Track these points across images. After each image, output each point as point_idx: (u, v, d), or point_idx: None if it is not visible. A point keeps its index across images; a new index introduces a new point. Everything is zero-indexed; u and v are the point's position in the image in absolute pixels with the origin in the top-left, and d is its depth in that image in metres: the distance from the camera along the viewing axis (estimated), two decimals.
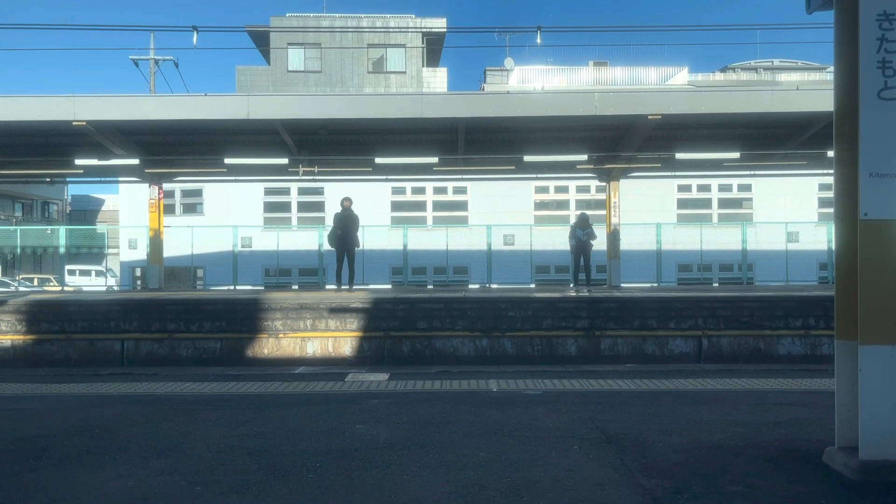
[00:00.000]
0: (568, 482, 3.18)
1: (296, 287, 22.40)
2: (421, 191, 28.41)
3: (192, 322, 13.07)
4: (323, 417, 4.57)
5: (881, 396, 3.13)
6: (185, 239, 22.36)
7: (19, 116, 14.90)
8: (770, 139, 17.16)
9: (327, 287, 18.89)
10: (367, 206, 21.63)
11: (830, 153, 14.32)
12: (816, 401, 4.97)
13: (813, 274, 22.93)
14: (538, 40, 19.11)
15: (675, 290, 17.15)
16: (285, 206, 28.39)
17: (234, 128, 16.26)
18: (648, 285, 20.04)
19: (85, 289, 26.64)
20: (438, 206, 28.56)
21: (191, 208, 28.86)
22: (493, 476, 3.27)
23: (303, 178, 19.19)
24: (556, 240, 20.48)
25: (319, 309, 13.08)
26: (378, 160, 17.26)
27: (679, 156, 17.24)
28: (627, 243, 19.69)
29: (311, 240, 22.39)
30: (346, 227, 14.86)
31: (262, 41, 32.99)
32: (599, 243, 17.81)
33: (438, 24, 33.02)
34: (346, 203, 14.99)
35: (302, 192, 27.64)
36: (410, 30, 32.72)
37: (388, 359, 12.67)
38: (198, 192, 28.56)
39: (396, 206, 28.03)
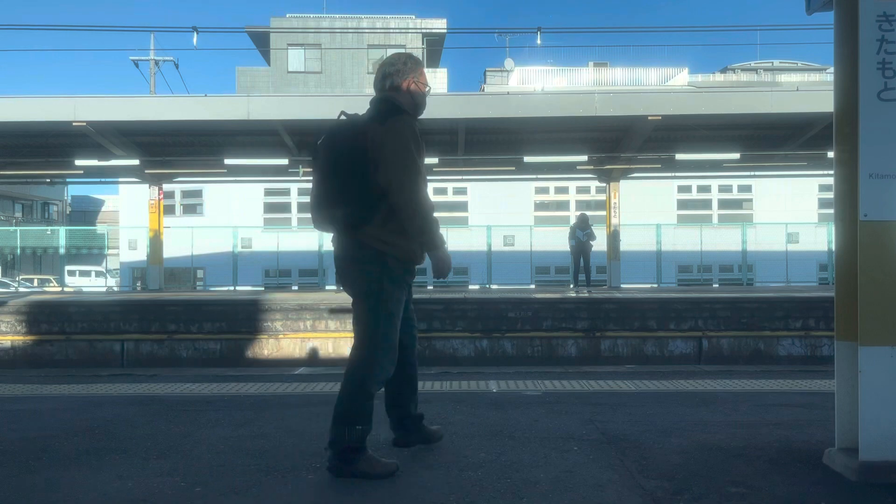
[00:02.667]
0: (568, 483, 3.18)
1: (296, 288, 22.41)
2: None
3: (191, 323, 13.09)
4: (323, 418, 4.56)
5: (881, 397, 3.13)
6: (185, 240, 22.37)
7: (20, 117, 14.92)
8: (770, 140, 17.17)
9: (327, 288, 18.90)
10: None
11: (830, 154, 14.37)
12: (816, 402, 4.97)
13: (813, 275, 22.94)
14: (538, 41, 19.15)
15: (675, 291, 17.16)
16: (285, 207, 28.40)
17: (235, 128, 16.27)
18: (648, 286, 20.06)
19: (85, 289, 26.68)
20: (438, 206, 28.47)
21: (191, 209, 28.87)
22: (493, 477, 3.27)
23: (303, 178, 19.20)
24: (556, 240, 20.50)
25: (319, 310, 13.09)
26: None
27: (679, 156, 17.25)
28: (627, 244, 19.71)
29: (312, 241, 22.40)
30: None
31: (262, 42, 33.00)
32: (599, 244, 17.82)
33: (438, 24, 33.04)
34: None
35: (302, 192, 27.65)
36: (410, 30, 32.73)
37: None
38: (198, 193, 28.57)
39: None
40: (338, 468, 3.25)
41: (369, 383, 3.35)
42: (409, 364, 3.67)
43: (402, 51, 3.55)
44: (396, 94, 3.48)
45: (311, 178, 3.48)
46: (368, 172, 3.22)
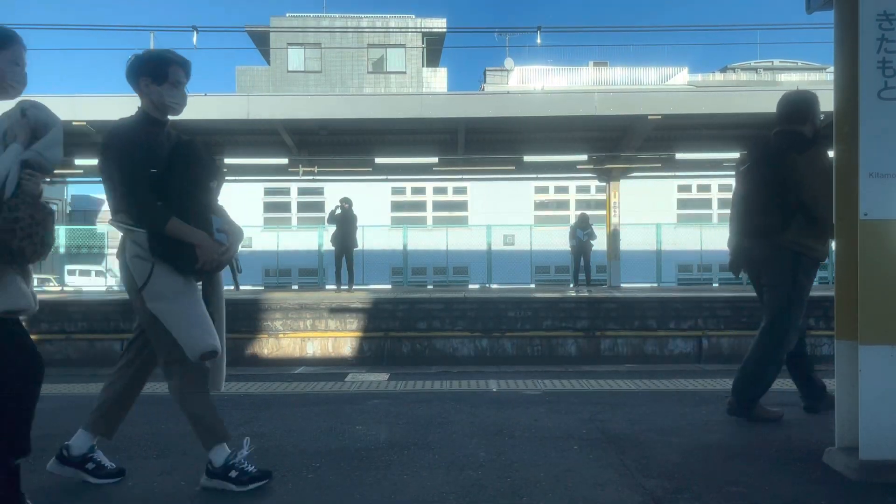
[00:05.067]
0: (568, 482, 3.18)
1: (296, 287, 22.40)
2: (421, 191, 28.41)
3: None
4: (322, 417, 4.57)
5: (881, 396, 3.14)
6: None
7: None
8: None
9: (327, 287, 18.90)
10: (367, 206, 21.66)
11: (830, 153, 14.34)
12: None
13: None
14: (538, 40, 19.12)
15: (675, 290, 17.16)
16: (285, 206, 28.39)
17: (234, 128, 16.26)
18: (648, 286, 20.04)
19: (85, 289, 26.65)
20: (438, 206, 28.55)
21: None
22: (493, 476, 3.27)
23: (303, 178, 19.20)
24: (556, 240, 20.50)
25: (319, 309, 13.09)
26: (378, 160, 17.26)
27: (679, 156, 17.24)
28: (627, 244, 19.68)
29: (311, 240, 22.40)
30: (344, 228, 14.88)
31: (261, 41, 32.97)
32: (599, 243, 17.81)
33: (438, 24, 33.00)
34: (346, 204, 15.00)
35: (302, 192, 27.65)
36: (410, 30, 32.71)
37: (388, 359, 12.68)
38: None
39: (396, 206, 28.03)
40: (739, 412, 4.32)
41: (780, 354, 4.29)
42: (804, 342, 4.55)
43: (797, 89, 4.41)
44: (802, 128, 4.29)
45: (734, 194, 4.55)
46: (786, 191, 4.12)
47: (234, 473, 3.10)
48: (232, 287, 15.49)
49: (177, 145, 3.17)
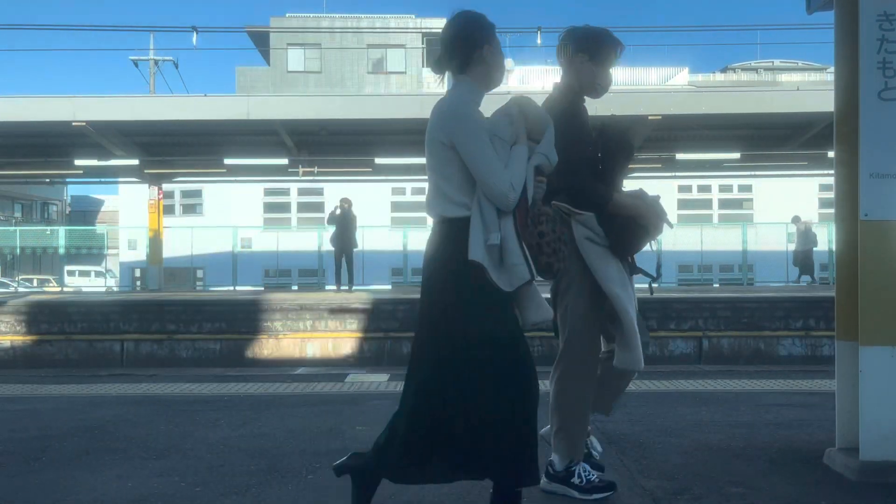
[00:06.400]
0: None
1: (295, 288, 22.38)
2: (421, 191, 28.34)
3: (191, 323, 13.07)
4: (323, 418, 4.57)
5: (881, 397, 3.13)
6: (184, 239, 22.34)
7: (19, 117, 14.91)
8: (770, 139, 17.15)
9: (327, 288, 18.88)
10: (367, 207, 21.64)
11: (831, 154, 14.33)
12: (817, 402, 4.97)
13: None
14: (538, 41, 19.13)
15: (675, 291, 17.15)
16: (285, 207, 28.36)
17: (234, 128, 16.26)
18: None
19: (84, 289, 26.65)
20: None
21: (190, 209, 28.83)
22: None
23: (302, 178, 19.20)
24: None
25: (319, 310, 13.08)
26: (378, 160, 17.26)
27: (679, 156, 17.23)
28: None
29: (311, 240, 22.37)
30: (344, 228, 14.88)
31: (261, 42, 32.98)
32: None
33: (438, 24, 32.93)
34: (345, 204, 15.00)
35: (302, 192, 27.62)
36: (410, 30, 32.71)
37: (388, 360, 12.66)
38: (197, 193, 28.52)
39: (396, 207, 28.00)
40: None
41: None
42: None
43: None
44: None
45: None
46: None
47: (576, 480, 2.92)
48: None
49: (605, 128, 3.13)
